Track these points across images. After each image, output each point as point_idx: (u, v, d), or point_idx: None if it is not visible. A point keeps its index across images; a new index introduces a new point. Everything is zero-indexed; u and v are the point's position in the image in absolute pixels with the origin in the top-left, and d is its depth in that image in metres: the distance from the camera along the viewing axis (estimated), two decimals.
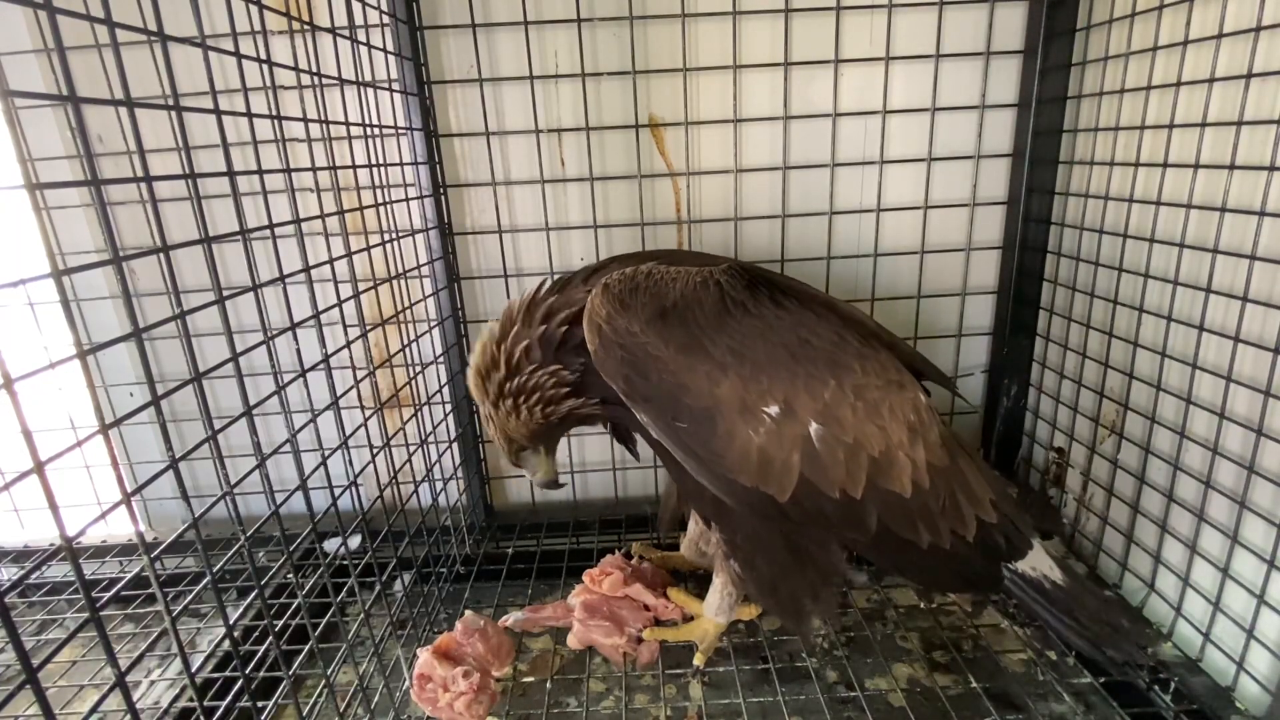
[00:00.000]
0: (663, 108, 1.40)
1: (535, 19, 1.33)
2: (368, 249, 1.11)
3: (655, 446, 0.99)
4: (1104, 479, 1.30)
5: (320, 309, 0.88)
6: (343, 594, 1.21)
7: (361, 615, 1.01)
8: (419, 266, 1.35)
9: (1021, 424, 1.56)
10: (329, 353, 0.90)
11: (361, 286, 1.02)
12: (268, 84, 0.82)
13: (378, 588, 1.13)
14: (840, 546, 0.99)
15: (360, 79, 1.09)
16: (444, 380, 1.44)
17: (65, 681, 1.15)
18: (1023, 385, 1.54)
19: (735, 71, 1.36)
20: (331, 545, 1.29)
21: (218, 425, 0.69)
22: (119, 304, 1.41)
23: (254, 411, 0.74)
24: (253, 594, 0.76)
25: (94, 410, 0.58)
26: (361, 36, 1.10)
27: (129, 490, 0.59)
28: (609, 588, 1.20)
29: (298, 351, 0.85)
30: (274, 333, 0.79)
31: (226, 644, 1.09)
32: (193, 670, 0.69)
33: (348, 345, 1.00)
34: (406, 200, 1.34)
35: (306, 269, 0.86)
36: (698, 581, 1.30)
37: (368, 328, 1.06)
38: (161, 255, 0.63)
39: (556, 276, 1.10)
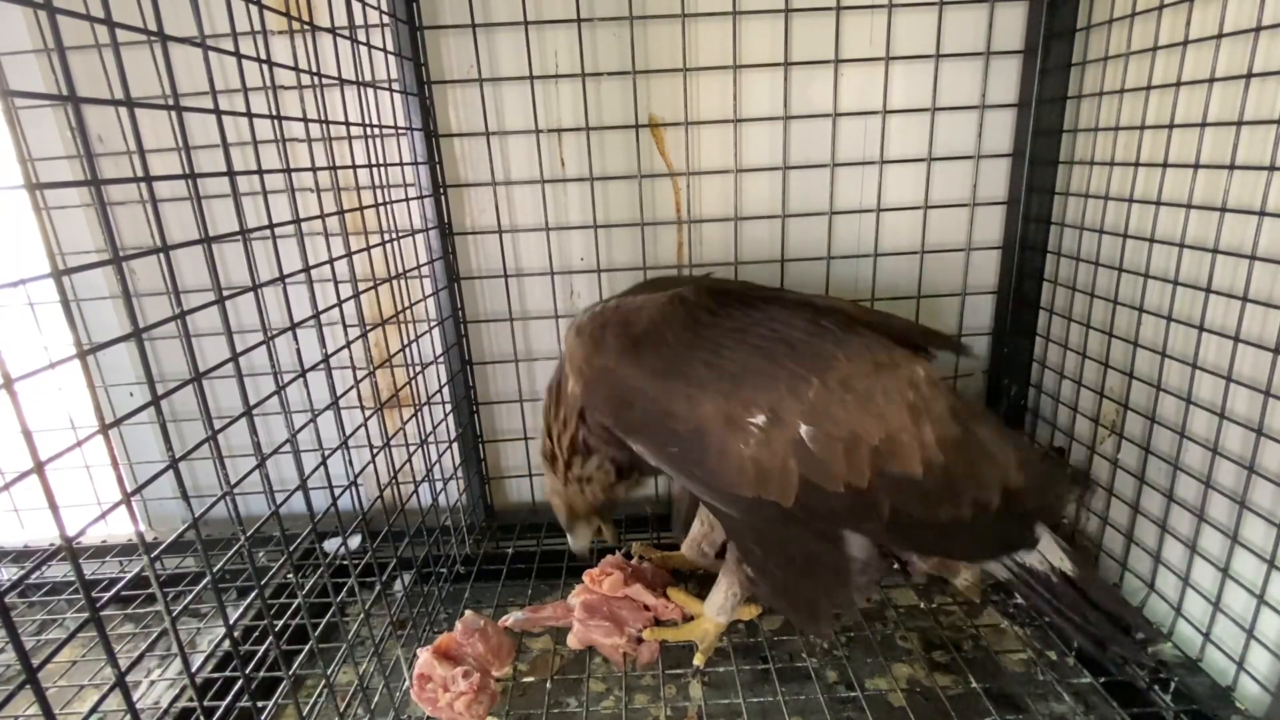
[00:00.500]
0: (663, 108, 1.40)
1: (535, 19, 1.33)
2: (368, 249, 1.11)
3: (660, 472, 1.00)
4: (1104, 479, 1.30)
5: (320, 309, 0.88)
6: (343, 594, 1.21)
7: (361, 615, 1.01)
8: (419, 266, 1.35)
9: (1021, 424, 1.56)
10: (329, 353, 0.90)
11: (361, 286, 1.02)
12: (268, 84, 0.82)
13: (378, 588, 1.13)
14: (860, 541, 0.97)
15: (360, 79, 1.09)
16: (444, 380, 1.44)
17: (65, 681, 1.15)
18: (1023, 385, 1.54)
19: (735, 71, 1.36)
20: (331, 545, 1.29)
21: (218, 425, 0.69)
22: (119, 304, 1.41)
23: (254, 411, 0.74)
24: (253, 594, 0.76)
25: (94, 410, 0.58)
26: (361, 36, 1.10)
27: (129, 490, 0.59)
28: (609, 588, 1.20)
29: (298, 351, 0.85)
30: (274, 333, 0.79)
31: (226, 644, 1.09)
32: (193, 670, 0.69)
33: (348, 345, 1.00)
34: (406, 200, 1.34)
35: (306, 269, 0.85)
36: (698, 581, 1.30)
37: (368, 328, 1.06)
38: (161, 255, 0.63)
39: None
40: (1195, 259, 1.07)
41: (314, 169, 0.93)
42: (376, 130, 1.18)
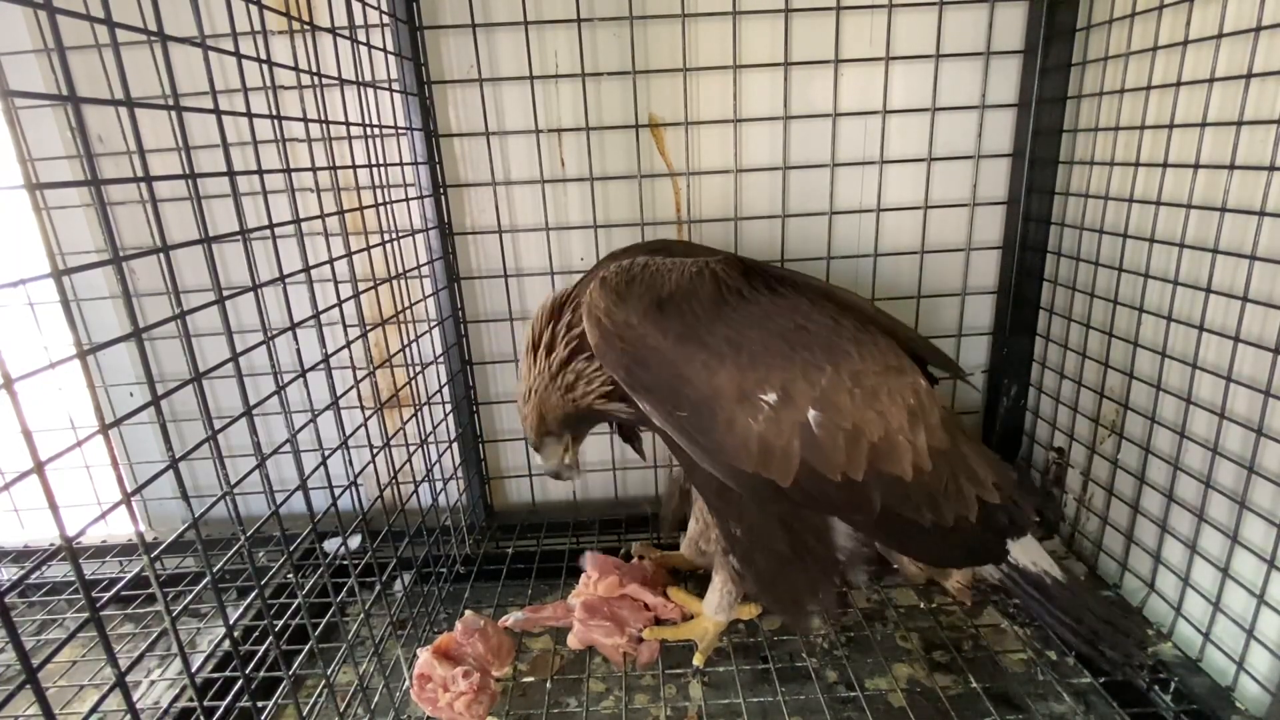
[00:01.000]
0: (663, 108, 1.40)
1: (535, 19, 1.33)
2: (368, 249, 1.11)
3: (660, 434, 0.99)
4: (1104, 479, 1.30)
5: (320, 309, 0.88)
6: (343, 594, 1.21)
7: (361, 615, 1.01)
8: (419, 266, 1.35)
9: (1021, 424, 1.56)
10: (329, 353, 0.90)
11: (361, 286, 1.02)
12: (268, 84, 0.82)
13: (378, 588, 1.13)
14: (850, 532, 0.99)
15: (360, 79, 1.09)
16: (444, 380, 1.44)
17: (65, 681, 1.15)
18: (1023, 385, 1.54)
19: (735, 71, 1.36)
20: (331, 545, 1.29)
21: (218, 425, 0.69)
22: (119, 304, 1.41)
23: (254, 411, 0.74)
24: (253, 594, 0.76)
25: (94, 410, 0.58)
26: (361, 36, 1.10)
27: (129, 490, 0.59)
28: (605, 590, 1.20)
29: (298, 351, 0.85)
30: (274, 333, 0.79)
31: (226, 644, 1.08)
32: (193, 670, 0.69)
33: (348, 345, 1.00)
34: (406, 200, 1.34)
35: (306, 269, 0.86)
36: (698, 581, 1.30)
37: (368, 328, 1.06)
38: (161, 255, 0.63)
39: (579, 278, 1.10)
40: (1195, 259, 1.07)
41: (314, 169, 0.93)
42: (376, 130, 1.18)
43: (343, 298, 0.96)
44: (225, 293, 0.70)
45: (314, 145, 0.93)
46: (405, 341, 1.27)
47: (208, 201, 0.67)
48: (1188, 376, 1.08)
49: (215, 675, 1.11)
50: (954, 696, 1.04)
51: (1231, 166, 0.99)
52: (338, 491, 0.92)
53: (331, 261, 0.96)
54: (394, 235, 1.21)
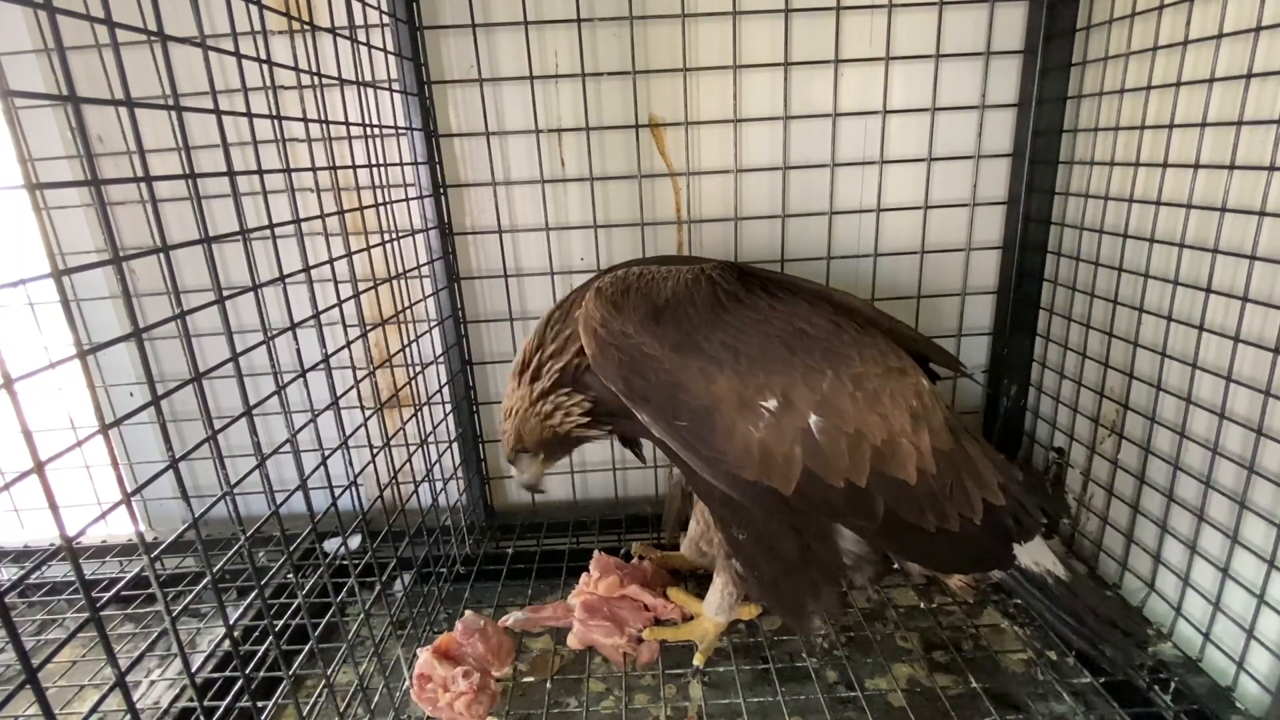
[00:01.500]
0: (663, 108, 1.40)
1: (535, 19, 1.33)
2: (368, 249, 1.11)
3: (660, 445, 0.99)
4: (1104, 479, 1.30)
5: (320, 309, 0.88)
6: (343, 594, 1.21)
7: (361, 615, 1.01)
8: (419, 266, 1.35)
9: (1021, 424, 1.56)
10: (329, 353, 0.90)
11: (361, 286, 1.02)
12: (268, 84, 0.82)
13: (378, 588, 1.13)
14: (853, 537, 0.98)
15: (360, 79, 1.09)
16: (444, 380, 1.44)
17: (65, 681, 1.15)
18: (1023, 385, 1.54)
19: (735, 71, 1.36)
20: (331, 545, 1.29)
21: (218, 425, 0.69)
22: (119, 304, 1.41)
23: (254, 411, 0.74)
24: (253, 594, 0.76)
25: (94, 410, 0.58)
26: (361, 36, 1.10)
27: (129, 490, 0.59)
28: (605, 590, 1.20)
29: (298, 351, 0.85)
30: (274, 333, 0.79)
31: (226, 644, 1.09)
32: (193, 670, 0.69)
33: (348, 345, 1.00)
34: (406, 200, 1.34)
35: (306, 269, 0.85)
36: (698, 581, 1.30)
37: (368, 328, 1.06)
38: (161, 255, 0.63)
39: (567, 297, 1.10)
40: (1195, 259, 1.07)
41: (314, 169, 0.93)
42: (376, 130, 1.18)
43: (343, 298, 0.96)
44: (225, 293, 0.70)
45: (314, 145, 0.93)
46: (405, 341, 1.27)
47: (208, 201, 0.67)
48: (1188, 376, 1.08)
49: (215, 675, 1.10)
50: (954, 696, 1.04)
51: (1231, 166, 0.99)
52: (338, 491, 0.92)
53: (331, 261, 0.96)
54: (394, 235, 1.21)
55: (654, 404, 0.89)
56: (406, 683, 1.07)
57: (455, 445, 1.48)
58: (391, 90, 1.26)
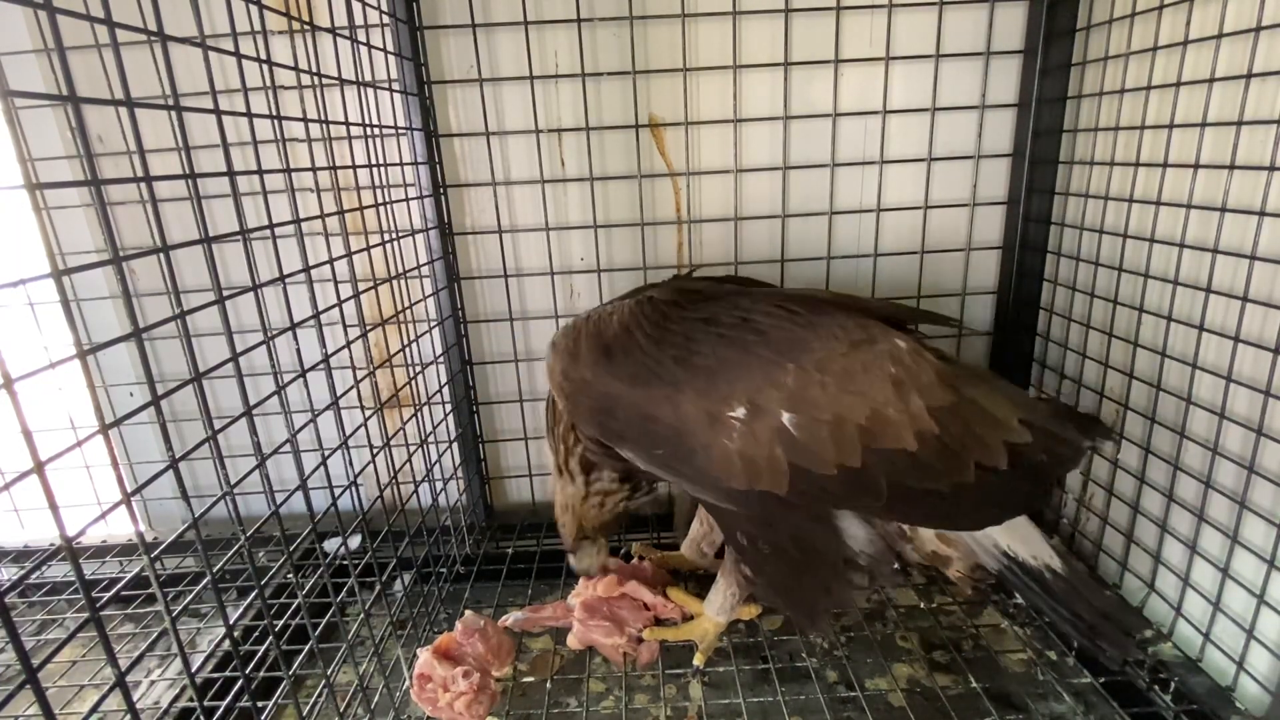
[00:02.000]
0: (663, 108, 1.40)
1: (535, 19, 1.33)
2: (368, 249, 1.11)
3: (649, 474, 1.01)
4: (1104, 479, 1.30)
5: (320, 309, 0.88)
6: (343, 594, 1.21)
7: (361, 615, 1.01)
8: (419, 266, 1.35)
9: None
10: (329, 353, 0.90)
11: (361, 286, 1.02)
12: (268, 84, 0.82)
13: (378, 588, 1.13)
14: (862, 523, 0.96)
15: (360, 79, 1.09)
16: (444, 380, 1.44)
17: (65, 681, 1.15)
18: (1023, 385, 1.54)
19: (735, 71, 1.36)
20: (331, 545, 1.29)
21: (218, 425, 0.69)
22: (119, 304, 1.41)
23: (254, 411, 0.74)
24: (253, 594, 0.76)
25: (94, 410, 0.58)
26: (361, 36, 1.10)
27: (129, 490, 0.59)
28: (604, 590, 1.20)
29: (298, 351, 0.85)
30: (274, 333, 0.79)
31: (226, 644, 1.09)
32: (193, 670, 0.69)
33: (348, 345, 1.00)
34: (406, 200, 1.34)
35: (306, 269, 0.86)
36: (698, 581, 1.30)
37: (368, 328, 1.06)
38: (161, 255, 0.63)
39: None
40: (1195, 259, 1.07)
41: (314, 169, 0.93)
42: (376, 130, 1.18)
43: (343, 298, 0.96)
44: (225, 293, 0.70)
45: (314, 145, 0.93)
46: (405, 341, 1.27)
47: (208, 201, 0.67)
48: (1187, 376, 1.08)
49: (215, 675, 1.11)
50: (954, 696, 1.04)
51: (1231, 166, 0.99)
52: (338, 491, 0.92)
53: (331, 261, 0.96)
54: (394, 235, 1.21)
55: (629, 439, 0.89)
56: (406, 683, 1.07)
57: (455, 445, 1.49)
58: (391, 90, 1.26)
